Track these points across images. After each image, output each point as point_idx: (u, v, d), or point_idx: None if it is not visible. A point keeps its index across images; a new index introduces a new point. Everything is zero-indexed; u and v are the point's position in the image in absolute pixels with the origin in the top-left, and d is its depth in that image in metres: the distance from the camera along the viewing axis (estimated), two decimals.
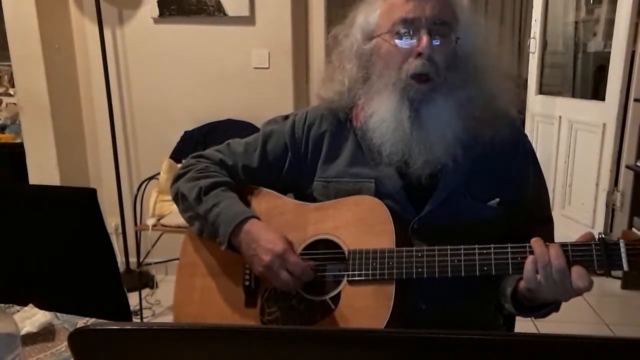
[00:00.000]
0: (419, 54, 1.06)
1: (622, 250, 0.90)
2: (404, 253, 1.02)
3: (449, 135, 1.08)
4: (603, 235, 0.92)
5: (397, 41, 1.09)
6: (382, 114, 1.11)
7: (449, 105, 1.08)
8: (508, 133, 1.14)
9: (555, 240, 0.97)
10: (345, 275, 1.06)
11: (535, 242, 0.95)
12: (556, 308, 1.03)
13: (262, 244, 1.08)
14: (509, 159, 1.15)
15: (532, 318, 1.07)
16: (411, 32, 1.07)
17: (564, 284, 0.92)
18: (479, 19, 1.16)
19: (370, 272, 1.03)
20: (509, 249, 0.97)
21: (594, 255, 0.91)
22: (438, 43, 1.07)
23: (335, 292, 1.07)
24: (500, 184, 1.12)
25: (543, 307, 1.02)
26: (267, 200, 1.20)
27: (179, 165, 1.38)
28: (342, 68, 1.18)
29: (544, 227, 1.15)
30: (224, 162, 1.25)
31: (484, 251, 0.98)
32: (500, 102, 1.13)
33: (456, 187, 1.10)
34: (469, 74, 1.11)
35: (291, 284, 1.07)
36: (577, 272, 0.91)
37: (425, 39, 1.06)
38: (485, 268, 0.97)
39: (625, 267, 0.89)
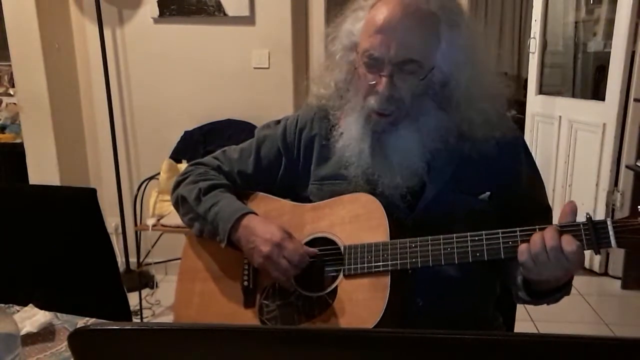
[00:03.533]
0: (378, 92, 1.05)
1: (610, 228, 0.91)
2: (398, 245, 1.03)
3: (416, 161, 1.08)
4: (590, 215, 0.93)
5: (363, 70, 1.08)
6: (347, 137, 1.13)
7: (413, 136, 1.08)
8: (497, 130, 1.12)
9: None
10: (342, 271, 1.07)
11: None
12: (567, 291, 1.03)
13: (261, 236, 1.10)
14: (498, 152, 1.12)
15: (546, 304, 1.06)
16: (375, 67, 1.05)
17: (559, 262, 0.92)
18: (467, 31, 1.09)
19: (365, 265, 1.04)
20: (500, 234, 0.98)
21: (583, 234, 0.93)
22: (401, 81, 1.04)
23: (332, 287, 1.07)
24: (489, 177, 1.12)
25: (556, 292, 1.02)
26: (264, 204, 1.21)
27: (179, 166, 1.38)
28: (331, 71, 1.19)
29: (543, 216, 1.15)
30: (221, 168, 1.26)
31: (476, 238, 0.99)
32: (491, 107, 1.10)
33: (445, 185, 1.11)
34: (451, 92, 1.08)
35: (290, 272, 1.08)
36: (565, 240, 0.92)
37: (384, 80, 1.04)
38: (478, 254, 0.98)
39: (614, 244, 0.91)
